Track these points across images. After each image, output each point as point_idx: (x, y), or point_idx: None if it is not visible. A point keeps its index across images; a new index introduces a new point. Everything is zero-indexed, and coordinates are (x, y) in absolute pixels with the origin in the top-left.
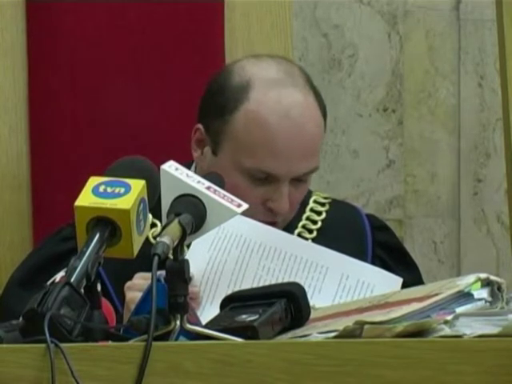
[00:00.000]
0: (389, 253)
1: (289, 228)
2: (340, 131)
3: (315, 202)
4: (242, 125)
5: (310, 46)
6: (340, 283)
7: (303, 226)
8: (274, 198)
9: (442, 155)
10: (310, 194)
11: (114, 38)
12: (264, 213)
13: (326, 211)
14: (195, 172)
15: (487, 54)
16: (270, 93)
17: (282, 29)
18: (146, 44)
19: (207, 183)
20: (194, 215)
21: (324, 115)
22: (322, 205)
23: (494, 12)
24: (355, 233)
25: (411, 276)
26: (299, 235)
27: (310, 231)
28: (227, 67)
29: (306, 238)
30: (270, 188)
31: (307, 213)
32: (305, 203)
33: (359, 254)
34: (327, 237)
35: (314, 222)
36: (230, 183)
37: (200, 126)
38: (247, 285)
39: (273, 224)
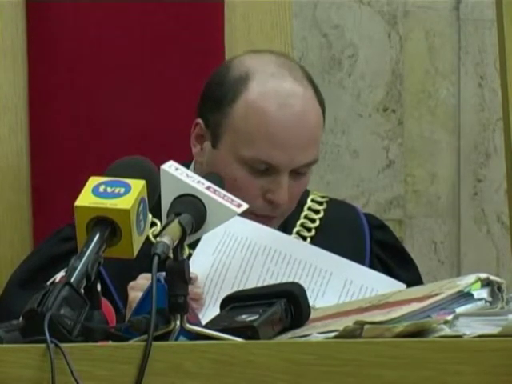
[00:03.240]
0: (387, 251)
1: (287, 227)
2: (340, 131)
3: (313, 201)
4: (242, 115)
5: (310, 45)
6: (343, 288)
7: (302, 225)
8: (274, 189)
9: (442, 155)
10: (307, 193)
11: (114, 38)
12: (263, 206)
13: (324, 210)
14: (194, 169)
15: (487, 53)
16: (269, 83)
17: (282, 29)
18: (146, 44)
19: (207, 183)
20: (194, 215)
21: (323, 111)
22: (320, 204)
23: (494, 12)
24: (353, 231)
25: (410, 274)
26: (298, 234)
27: (309, 230)
28: (227, 61)
29: (305, 237)
30: (270, 179)
31: (305, 211)
32: (303, 202)
33: (357, 253)
34: (326, 235)
35: (313, 221)
36: (230, 176)
37: (199, 120)
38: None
39: (271, 218)
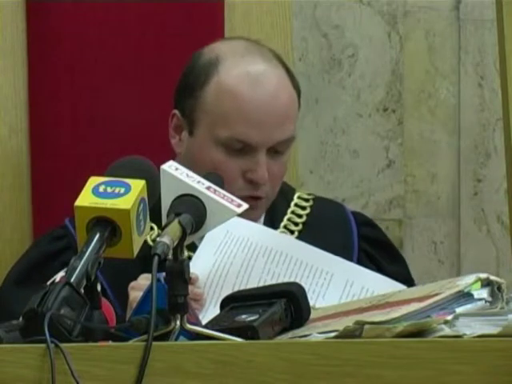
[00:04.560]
0: (374, 246)
1: (274, 221)
2: (340, 131)
3: (299, 198)
4: (214, 97)
5: (310, 46)
6: (344, 290)
7: (289, 220)
8: (252, 168)
9: (442, 155)
10: (293, 191)
11: (114, 38)
12: (245, 186)
13: (311, 207)
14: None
15: (487, 53)
16: (239, 64)
17: (282, 29)
18: (146, 44)
19: (207, 183)
20: (194, 215)
21: (297, 91)
22: (306, 201)
23: (494, 12)
24: (340, 227)
25: (398, 268)
26: (285, 228)
27: (296, 224)
28: (198, 50)
29: (292, 231)
30: (247, 159)
31: (292, 208)
32: (289, 198)
33: (344, 248)
34: (313, 231)
35: (300, 216)
36: (208, 159)
37: (175, 111)
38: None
39: (256, 199)
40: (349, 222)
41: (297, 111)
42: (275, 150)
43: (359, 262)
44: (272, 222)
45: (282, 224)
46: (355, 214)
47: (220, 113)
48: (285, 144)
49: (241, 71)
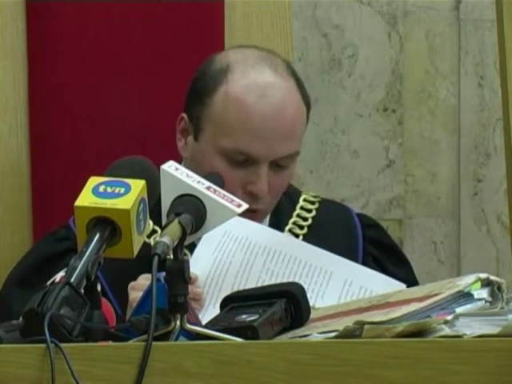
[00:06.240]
0: (380, 249)
1: (279, 225)
2: (340, 131)
3: (305, 200)
4: (221, 106)
5: (310, 45)
6: (343, 289)
7: (294, 223)
8: (253, 180)
9: (442, 155)
10: (299, 193)
11: (114, 38)
12: (244, 198)
13: (316, 209)
14: (183, 166)
15: (487, 53)
16: (249, 75)
17: (282, 29)
18: (146, 44)
19: (207, 183)
20: (194, 215)
21: (307, 105)
22: (312, 203)
23: (494, 12)
24: (346, 230)
25: (403, 271)
26: (290, 231)
27: (301, 227)
28: (211, 56)
29: (297, 235)
30: (249, 171)
31: (298, 210)
32: (295, 201)
33: (350, 251)
34: (318, 234)
35: (305, 219)
36: (210, 168)
37: (184, 114)
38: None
39: (254, 212)
40: (354, 224)
41: (304, 126)
42: (278, 164)
43: (365, 265)
44: (277, 225)
45: (287, 227)
46: (360, 215)
47: (225, 123)
48: (288, 159)
49: (249, 82)
